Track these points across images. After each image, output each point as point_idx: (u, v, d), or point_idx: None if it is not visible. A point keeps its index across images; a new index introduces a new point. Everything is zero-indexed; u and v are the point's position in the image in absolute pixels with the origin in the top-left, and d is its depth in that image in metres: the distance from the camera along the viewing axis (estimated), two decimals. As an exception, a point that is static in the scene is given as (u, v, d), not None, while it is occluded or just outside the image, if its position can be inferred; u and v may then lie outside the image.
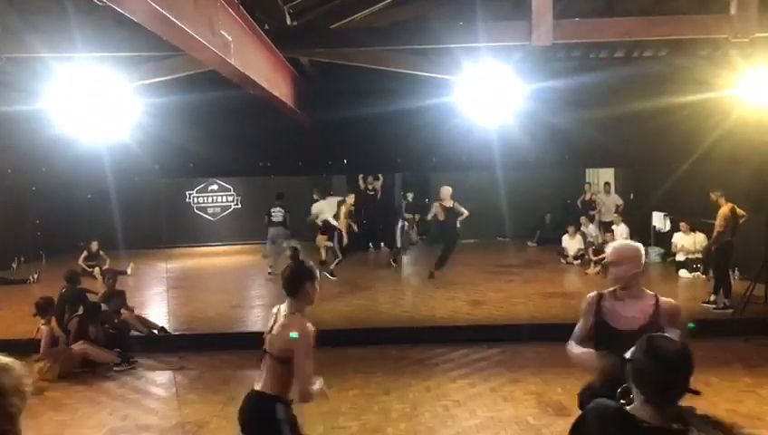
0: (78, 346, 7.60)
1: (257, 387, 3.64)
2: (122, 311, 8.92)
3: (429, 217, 12.23)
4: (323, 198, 13.43)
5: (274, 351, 3.54)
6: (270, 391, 3.57)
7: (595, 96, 8.40)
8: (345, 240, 12.80)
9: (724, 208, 9.57)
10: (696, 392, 2.19)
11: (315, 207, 13.18)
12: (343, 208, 13.16)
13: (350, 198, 13.31)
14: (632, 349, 2.31)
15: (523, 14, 5.84)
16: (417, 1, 7.27)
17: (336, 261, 12.52)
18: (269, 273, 12.64)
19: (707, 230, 11.62)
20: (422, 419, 5.98)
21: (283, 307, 3.63)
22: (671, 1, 6.86)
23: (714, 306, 9.53)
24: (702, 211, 11.36)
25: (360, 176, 15.43)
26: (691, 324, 7.72)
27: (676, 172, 10.34)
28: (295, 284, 3.58)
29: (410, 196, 13.84)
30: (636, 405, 2.24)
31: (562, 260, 14.04)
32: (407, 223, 13.69)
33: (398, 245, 13.82)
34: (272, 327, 3.64)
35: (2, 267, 13.64)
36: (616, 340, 3.12)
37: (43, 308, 7.64)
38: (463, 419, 5.97)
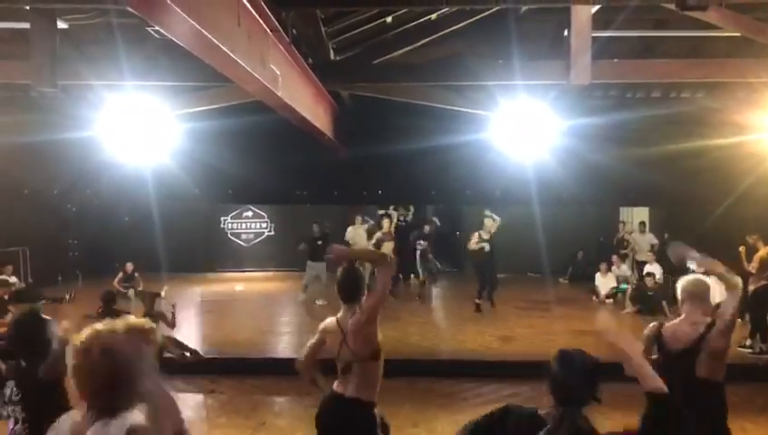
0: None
1: (347, 393, 3.78)
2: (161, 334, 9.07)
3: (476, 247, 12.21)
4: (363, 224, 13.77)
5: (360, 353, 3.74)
6: (366, 398, 3.77)
7: (632, 134, 8.44)
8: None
9: (762, 251, 9.44)
10: (598, 401, 2.47)
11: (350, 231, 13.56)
12: (381, 232, 13.24)
13: (386, 223, 13.35)
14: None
15: (561, 53, 5.95)
16: (455, 40, 7.43)
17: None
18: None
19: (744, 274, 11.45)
20: (450, 452, 5.96)
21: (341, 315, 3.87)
22: (709, 44, 6.91)
23: (750, 351, 9.34)
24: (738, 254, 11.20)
25: (392, 206, 15.52)
26: None
27: (712, 214, 10.24)
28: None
29: (427, 227, 13.70)
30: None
31: (594, 298, 13.88)
32: (427, 250, 13.53)
33: (421, 275, 13.76)
34: (342, 341, 3.79)
35: (47, 283, 13.94)
36: None
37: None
38: (491, 454, 5.92)
